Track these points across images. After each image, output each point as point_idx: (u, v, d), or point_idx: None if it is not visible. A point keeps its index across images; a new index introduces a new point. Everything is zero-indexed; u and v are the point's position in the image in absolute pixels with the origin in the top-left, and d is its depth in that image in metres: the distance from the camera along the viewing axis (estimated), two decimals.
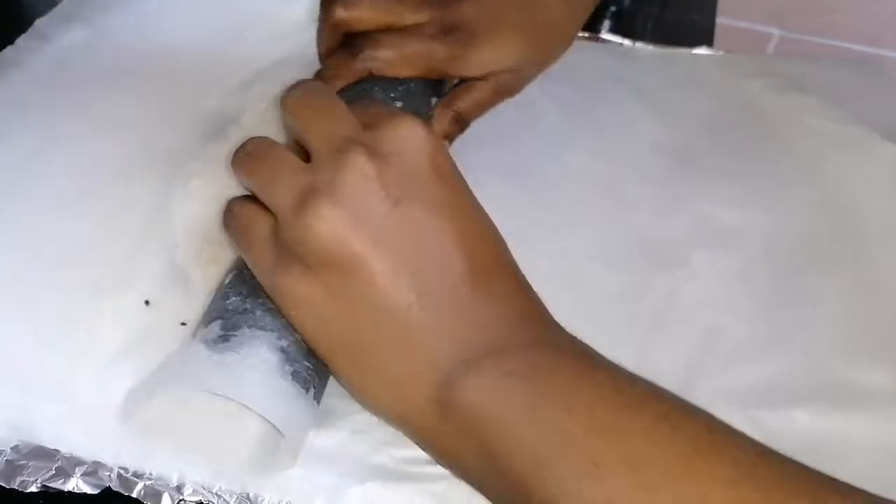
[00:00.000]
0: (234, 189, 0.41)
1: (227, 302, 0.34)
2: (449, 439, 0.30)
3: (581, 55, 0.58)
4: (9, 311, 0.38)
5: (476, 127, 0.49)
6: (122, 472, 0.34)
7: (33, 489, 0.33)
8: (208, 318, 0.35)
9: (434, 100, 0.47)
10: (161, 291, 0.40)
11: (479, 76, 0.46)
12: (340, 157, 0.31)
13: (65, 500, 0.34)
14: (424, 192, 0.31)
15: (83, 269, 0.40)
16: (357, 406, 0.36)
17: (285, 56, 0.54)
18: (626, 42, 0.60)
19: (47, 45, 0.53)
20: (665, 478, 0.27)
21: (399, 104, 0.43)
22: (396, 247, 0.30)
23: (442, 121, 0.46)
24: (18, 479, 0.33)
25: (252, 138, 0.35)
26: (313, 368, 0.34)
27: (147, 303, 0.39)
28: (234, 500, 0.33)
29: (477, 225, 0.33)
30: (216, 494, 0.33)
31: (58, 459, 0.34)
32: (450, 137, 0.46)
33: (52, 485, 0.33)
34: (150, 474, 0.34)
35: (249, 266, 0.34)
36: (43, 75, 0.51)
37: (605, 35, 0.61)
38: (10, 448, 0.34)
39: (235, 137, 0.48)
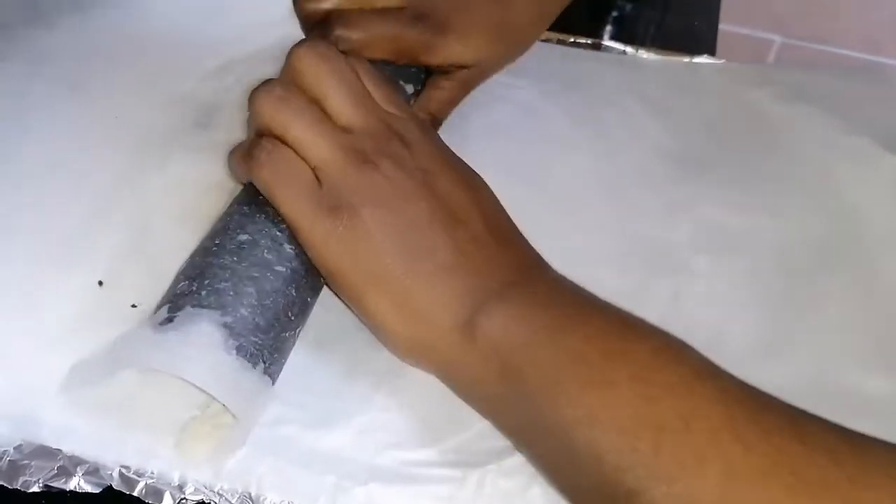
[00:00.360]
0: (214, 177, 0.44)
1: (177, 286, 0.36)
2: (472, 363, 0.34)
3: (585, 64, 0.58)
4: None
5: (481, 130, 0.49)
6: (123, 470, 0.34)
7: (35, 489, 0.33)
8: (160, 304, 0.35)
9: (408, 87, 0.47)
10: (118, 272, 0.40)
11: (445, 68, 0.47)
12: (383, 136, 0.37)
13: (67, 499, 0.34)
14: (445, 170, 0.38)
15: (38, 244, 0.41)
16: (361, 407, 0.36)
17: (269, 44, 0.54)
18: (629, 49, 0.60)
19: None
20: (666, 393, 0.30)
21: None
22: (430, 202, 0.36)
23: None
24: (21, 480, 0.33)
25: (272, 83, 0.37)
26: (263, 344, 0.34)
27: (100, 283, 0.40)
28: (235, 499, 0.33)
29: (487, 195, 0.39)
30: (218, 493, 0.33)
31: (60, 459, 0.34)
32: None
33: (54, 484, 0.33)
34: (152, 473, 0.34)
35: (284, 208, 0.36)
36: (20, 46, 0.52)
37: (608, 42, 0.61)
38: (13, 448, 0.34)
39: (216, 126, 0.49)
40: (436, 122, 0.48)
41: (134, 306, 0.39)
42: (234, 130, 0.48)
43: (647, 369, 0.31)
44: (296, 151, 0.36)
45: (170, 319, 0.34)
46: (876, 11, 1.38)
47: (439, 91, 0.47)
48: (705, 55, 0.60)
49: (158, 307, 0.35)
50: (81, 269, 0.40)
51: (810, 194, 0.50)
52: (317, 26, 0.45)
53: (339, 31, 0.44)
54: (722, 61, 0.60)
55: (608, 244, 0.46)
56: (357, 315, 0.37)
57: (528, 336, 0.33)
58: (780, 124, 0.55)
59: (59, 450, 0.34)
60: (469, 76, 0.48)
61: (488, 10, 0.46)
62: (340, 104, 0.37)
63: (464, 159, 0.40)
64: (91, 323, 0.38)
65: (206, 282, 0.35)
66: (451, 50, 0.45)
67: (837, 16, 1.39)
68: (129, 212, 0.43)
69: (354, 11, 0.44)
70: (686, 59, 0.60)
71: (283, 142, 0.36)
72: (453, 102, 0.48)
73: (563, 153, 0.51)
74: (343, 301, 0.37)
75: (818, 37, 1.40)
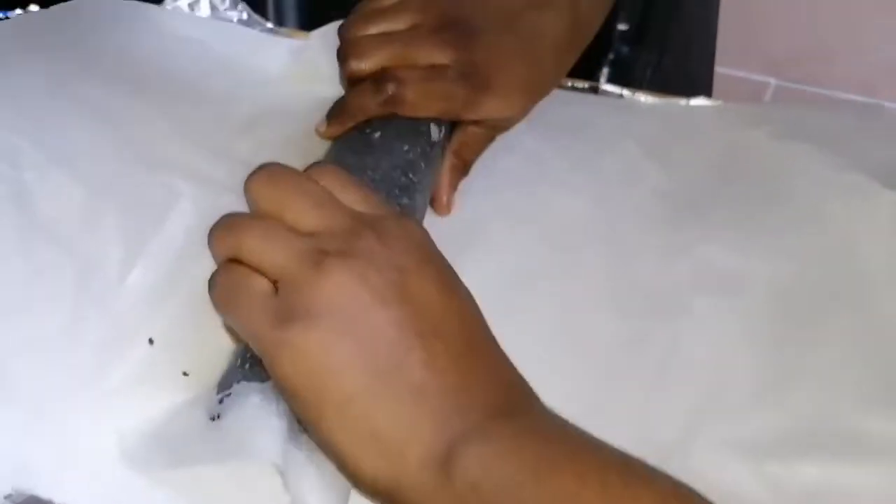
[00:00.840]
0: None
1: (227, 366, 0.35)
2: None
3: (583, 108, 0.58)
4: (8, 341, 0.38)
5: (479, 173, 0.49)
6: None
7: None
8: (216, 387, 0.35)
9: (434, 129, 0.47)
10: (169, 333, 0.39)
11: (481, 121, 0.48)
12: (350, 232, 0.33)
13: None
14: (424, 270, 0.33)
15: (87, 298, 0.40)
16: None
17: (278, 101, 0.54)
18: (626, 92, 0.60)
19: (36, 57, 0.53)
20: None
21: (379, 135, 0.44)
22: (402, 307, 0.31)
23: (451, 169, 0.48)
24: None
25: (229, 213, 0.35)
26: None
27: (151, 341, 0.38)
28: None
29: (469, 302, 0.34)
30: None
31: None
32: (457, 183, 0.48)
33: None
34: None
35: (240, 326, 0.33)
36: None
37: (605, 86, 0.61)
38: (3, 497, 0.33)
39: None
40: (466, 167, 0.49)
41: (185, 374, 0.37)
42: None
43: None
44: (252, 267, 0.33)
45: (220, 401, 0.33)
46: (870, 55, 1.39)
47: (471, 139, 0.49)
48: (702, 97, 0.61)
49: (214, 393, 0.34)
50: (137, 327, 0.39)
51: (808, 232, 0.50)
52: (367, 82, 0.45)
53: (394, 90, 0.44)
54: (718, 102, 0.60)
55: (607, 288, 0.46)
56: (318, 446, 0.32)
57: (513, 475, 0.28)
58: (777, 163, 0.55)
59: (50, 500, 0.33)
60: (499, 127, 0.49)
61: (522, 67, 0.47)
62: (300, 211, 0.34)
63: (461, 200, 0.39)
64: (140, 385, 0.37)
65: (249, 354, 0.34)
66: (491, 107, 0.46)
67: (832, 59, 1.41)
68: (191, 275, 0.41)
69: (405, 69, 0.45)
70: (683, 102, 0.60)
71: (240, 262, 0.34)
72: (480, 150, 0.50)
73: (563, 197, 0.51)
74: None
75: (813, 79, 1.42)
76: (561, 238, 0.48)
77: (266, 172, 0.35)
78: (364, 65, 0.46)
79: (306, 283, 0.31)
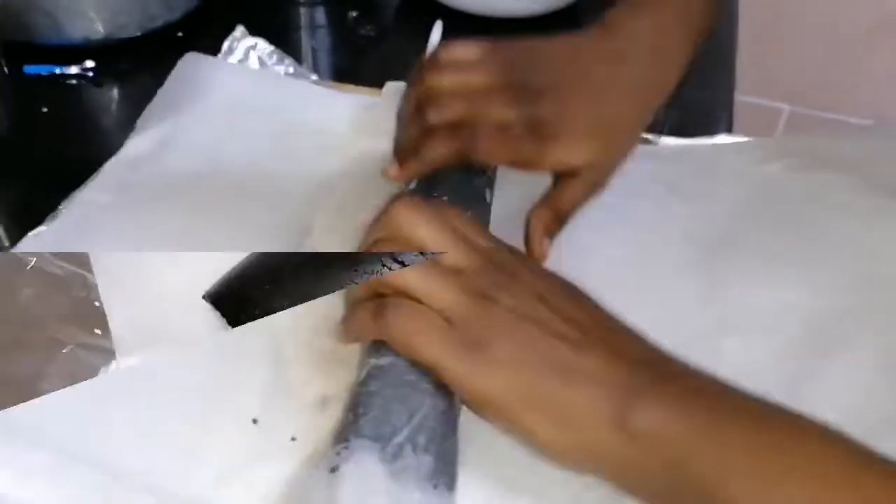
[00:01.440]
0: (335, 305, 0.45)
1: (342, 425, 0.39)
2: (635, 460, 0.35)
3: None
4: (116, 433, 0.41)
5: (509, 219, 0.50)
6: None
7: None
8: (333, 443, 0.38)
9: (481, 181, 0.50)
10: (268, 408, 0.42)
11: (561, 171, 0.50)
12: (490, 269, 0.40)
13: None
14: (553, 288, 0.41)
15: (184, 389, 0.43)
16: None
17: (339, 168, 0.57)
18: (651, 136, 0.62)
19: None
20: (842, 483, 0.33)
21: (445, 197, 0.48)
22: (553, 319, 0.38)
23: (544, 218, 0.50)
24: None
25: (384, 244, 0.41)
26: (436, 462, 0.37)
27: (255, 421, 0.42)
28: None
29: (591, 299, 0.41)
30: None
31: None
32: (552, 234, 0.50)
33: None
34: None
35: (423, 356, 0.38)
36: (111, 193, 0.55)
37: None
38: None
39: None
40: (562, 219, 0.50)
41: (293, 439, 0.41)
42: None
43: (820, 462, 0.33)
44: (420, 301, 0.39)
45: (337, 453, 0.37)
46: (881, 83, 1.40)
47: (566, 190, 0.50)
48: (724, 134, 0.62)
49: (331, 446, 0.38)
50: (234, 410, 0.42)
51: (843, 264, 0.51)
52: (443, 131, 0.49)
53: (469, 140, 0.48)
54: (740, 139, 0.61)
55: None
56: (515, 436, 0.38)
57: (688, 427, 0.35)
58: (799, 195, 0.56)
59: None
60: (592, 177, 0.50)
61: (586, 110, 0.49)
62: (442, 248, 0.41)
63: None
64: (255, 460, 0.40)
65: (361, 410, 0.38)
66: (557, 157, 0.48)
67: (844, 87, 1.41)
68: (263, 344, 0.45)
69: (479, 122, 0.48)
70: (705, 141, 0.61)
71: (406, 296, 0.39)
72: (578, 202, 0.51)
73: (597, 243, 0.52)
74: (495, 426, 0.39)
75: (826, 106, 1.42)
76: (596, 285, 0.48)
77: (406, 206, 0.42)
78: (443, 116, 0.49)
79: (479, 318, 0.38)
